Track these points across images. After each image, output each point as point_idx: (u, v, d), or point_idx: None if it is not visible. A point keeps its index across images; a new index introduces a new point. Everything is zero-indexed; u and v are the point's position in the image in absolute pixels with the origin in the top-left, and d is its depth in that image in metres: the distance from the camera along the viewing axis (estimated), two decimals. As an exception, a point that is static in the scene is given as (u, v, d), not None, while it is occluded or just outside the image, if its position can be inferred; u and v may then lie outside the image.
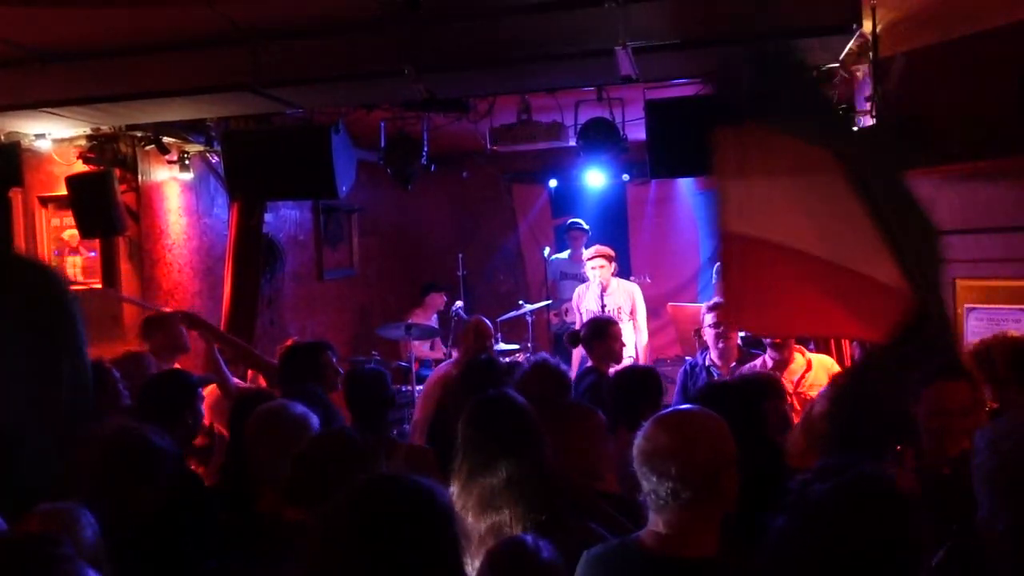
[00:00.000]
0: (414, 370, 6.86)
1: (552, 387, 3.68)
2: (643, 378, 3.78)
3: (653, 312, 7.71)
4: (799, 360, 4.57)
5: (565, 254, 8.23)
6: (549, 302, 7.66)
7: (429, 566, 1.48)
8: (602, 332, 4.91)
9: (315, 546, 1.50)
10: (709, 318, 4.87)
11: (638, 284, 7.17)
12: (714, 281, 7.43)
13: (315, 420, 3.01)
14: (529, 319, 7.54)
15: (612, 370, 4.68)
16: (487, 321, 5.23)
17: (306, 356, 4.21)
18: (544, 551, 2.00)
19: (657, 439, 2.09)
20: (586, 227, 8.06)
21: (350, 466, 2.40)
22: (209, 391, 4.31)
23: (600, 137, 5.27)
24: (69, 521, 2.24)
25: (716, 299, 5.01)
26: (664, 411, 2.22)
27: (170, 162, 6.12)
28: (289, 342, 5.27)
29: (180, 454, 3.52)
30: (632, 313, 6.71)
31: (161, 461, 2.82)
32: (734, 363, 4.84)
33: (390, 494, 1.53)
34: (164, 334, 4.70)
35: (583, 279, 7.31)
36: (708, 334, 4.90)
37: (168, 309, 5.33)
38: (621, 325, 6.61)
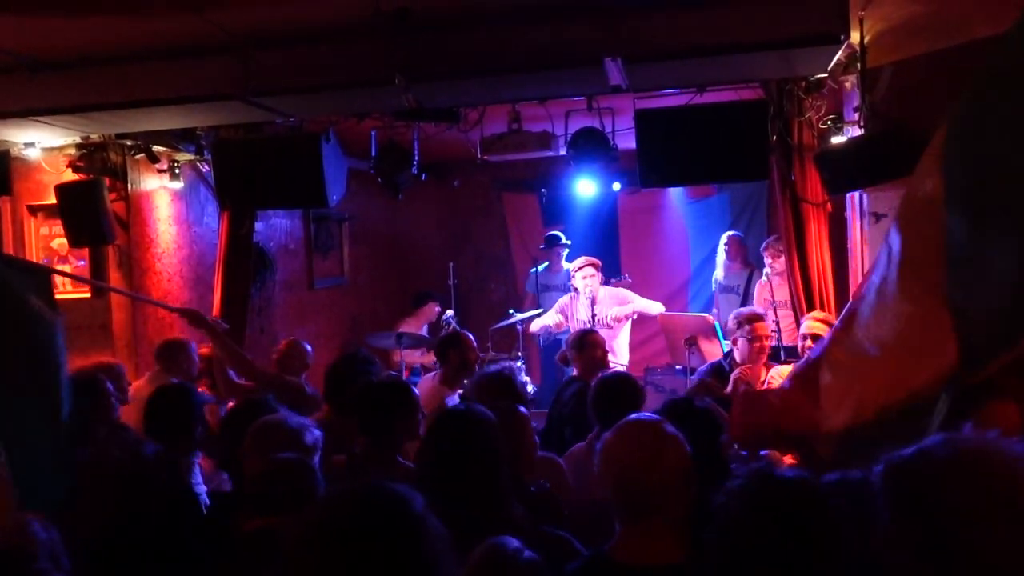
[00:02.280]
0: (404, 378, 6.84)
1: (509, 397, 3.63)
2: (622, 385, 3.73)
3: (643, 321, 7.72)
4: None
5: (543, 266, 8.22)
6: (540, 311, 7.66)
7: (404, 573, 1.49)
8: (582, 343, 4.96)
9: (290, 554, 1.50)
10: (746, 329, 4.87)
11: (622, 283, 7.25)
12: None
13: (312, 434, 2.97)
14: (519, 328, 7.54)
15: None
16: (470, 336, 5.21)
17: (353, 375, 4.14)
18: (525, 552, 2.01)
19: (630, 449, 2.11)
20: (566, 240, 8.07)
21: (305, 486, 2.49)
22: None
23: (590, 146, 5.28)
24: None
25: (751, 309, 5.04)
26: (629, 420, 2.24)
27: (160, 171, 6.10)
28: (284, 344, 5.26)
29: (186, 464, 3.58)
30: (626, 317, 6.77)
31: (159, 485, 2.82)
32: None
33: (362, 501, 1.54)
34: (175, 360, 4.91)
35: (564, 290, 7.33)
36: (742, 345, 4.89)
37: (175, 307, 5.55)
38: (613, 330, 6.68)
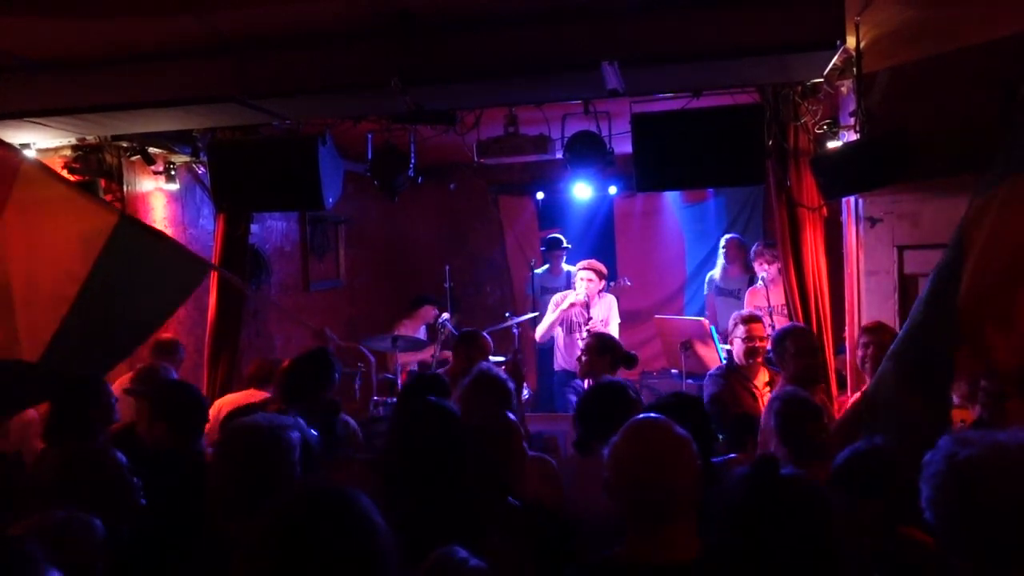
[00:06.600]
0: (400, 381, 6.83)
1: (494, 399, 3.54)
2: (616, 393, 3.58)
3: (639, 324, 7.71)
4: None
5: (543, 268, 8.23)
6: (535, 314, 7.66)
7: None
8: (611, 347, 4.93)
9: (244, 559, 1.52)
10: (740, 330, 4.87)
11: (620, 286, 7.24)
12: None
13: (292, 436, 2.93)
14: (516, 331, 7.54)
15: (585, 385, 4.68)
16: (487, 336, 5.20)
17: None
18: (471, 560, 2.01)
19: (652, 450, 2.09)
20: (566, 244, 8.07)
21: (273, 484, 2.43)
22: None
23: (587, 150, 5.28)
24: (72, 530, 2.22)
25: (749, 311, 5.01)
26: (642, 421, 2.21)
27: (156, 173, 6.09)
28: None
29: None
30: (606, 322, 6.76)
31: (125, 482, 2.78)
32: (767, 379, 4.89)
33: (310, 506, 1.58)
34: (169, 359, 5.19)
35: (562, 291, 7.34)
36: (737, 346, 4.90)
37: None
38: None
